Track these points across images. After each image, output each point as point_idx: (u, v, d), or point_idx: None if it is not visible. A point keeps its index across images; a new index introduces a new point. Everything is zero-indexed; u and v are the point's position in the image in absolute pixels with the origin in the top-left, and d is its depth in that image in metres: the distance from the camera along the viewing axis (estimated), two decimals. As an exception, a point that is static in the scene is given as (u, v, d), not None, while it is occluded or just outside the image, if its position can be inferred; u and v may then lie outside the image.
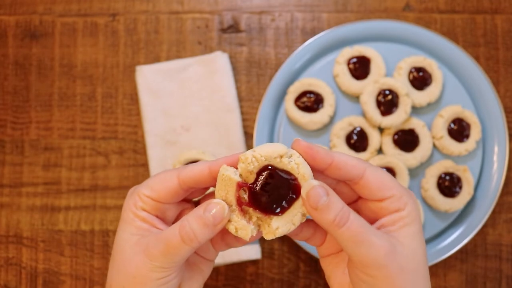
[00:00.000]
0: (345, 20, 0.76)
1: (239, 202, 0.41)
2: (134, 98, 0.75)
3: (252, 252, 0.70)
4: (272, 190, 0.40)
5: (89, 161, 0.74)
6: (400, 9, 0.76)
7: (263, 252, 0.72)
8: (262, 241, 0.72)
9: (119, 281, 0.43)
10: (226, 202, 0.41)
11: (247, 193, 0.41)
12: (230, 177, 0.40)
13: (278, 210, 0.41)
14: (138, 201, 0.43)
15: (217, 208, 0.40)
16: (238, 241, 0.46)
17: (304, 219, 0.41)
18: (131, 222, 0.43)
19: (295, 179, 0.40)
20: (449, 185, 0.69)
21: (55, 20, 0.77)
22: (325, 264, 0.47)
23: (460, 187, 0.70)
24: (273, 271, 0.72)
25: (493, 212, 0.72)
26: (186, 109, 0.74)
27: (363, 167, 0.41)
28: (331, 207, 0.38)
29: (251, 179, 0.41)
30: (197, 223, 0.40)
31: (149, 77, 0.74)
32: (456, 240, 0.69)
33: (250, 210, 0.41)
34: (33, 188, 0.74)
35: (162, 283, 0.42)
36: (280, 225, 0.41)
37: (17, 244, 0.73)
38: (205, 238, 0.40)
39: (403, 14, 0.76)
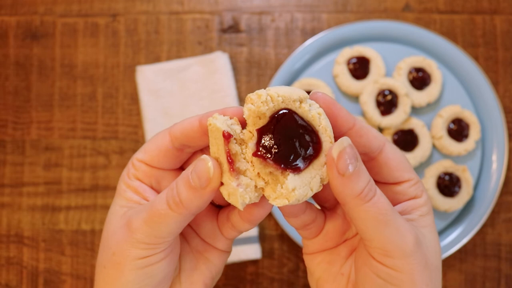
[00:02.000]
0: (345, 21, 0.76)
1: (229, 158, 0.33)
2: (134, 98, 0.76)
3: (252, 251, 0.70)
4: (288, 139, 0.32)
5: (89, 161, 0.75)
6: (400, 10, 0.76)
7: (263, 252, 0.72)
8: (262, 240, 0.72)
9: (101, 260, 0.37)
10: (219, 160, 0.33)
11: (256, 140, 0.33)
12: (216, 126, 0.33)
13: (296, 164, 0.32)
14: (131, 169, 0.38)
15: (201, 166, 0.33)
16: (244, 219, 0.37)
17: (321, 187, 0.34)
18: (122, 193, 0.38)
19: (316, 132, 0.33)
20: (448, 185, 0.70)
21: (56, 21, 0.77)
22: (314, 263, 0.39)
23: (459, 187, 0.70)
24: (273, 271, 0.72)
25: (492, 212, 0.72)
26: (186, 109, 0.74)
27: (383, 140, 0.36)
28: (360, 175, 0.32)
29: (260, 124, 0.33)
30: (183, 185, 0.33)
31: (150, 77, 0.74)
32: (456, 239, 0.70)
33: (257, 163, 0.33)
34: (34, 188, 0.74)
35: (143, 264, 0.35)
36: (297, 186, 0.32)
37: (18, 244, 0.74)
38: (193, 205, 0.33)
39: (402, 14, 0.76)
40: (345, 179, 0.32)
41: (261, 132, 0.33)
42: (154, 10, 0.77)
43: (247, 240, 0.70)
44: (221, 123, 0.33)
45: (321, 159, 0.33)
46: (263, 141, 0.33)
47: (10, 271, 0.73)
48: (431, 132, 0.72)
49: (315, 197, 0.38)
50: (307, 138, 0.33)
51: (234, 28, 0.77)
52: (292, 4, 0.77)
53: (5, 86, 0.77)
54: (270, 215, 0.72)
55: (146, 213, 0.34)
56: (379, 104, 0.71)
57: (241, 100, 0.75)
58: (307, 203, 0.37)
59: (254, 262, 0.72)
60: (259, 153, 0.33)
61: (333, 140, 0.34)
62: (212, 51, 0.76)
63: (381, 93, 0.71)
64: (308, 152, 0.33)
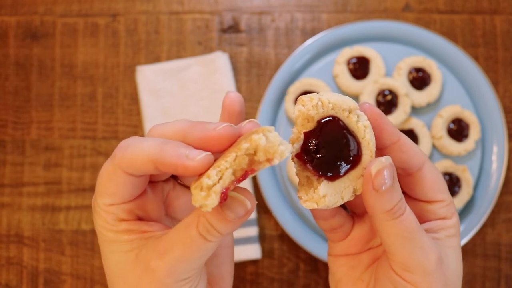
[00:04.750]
0: (345, 21, 0.76)
1: (242, 178, 0.31)
2: (134, 98, 0.76)
3: (252, 251, 0.70)
4: (332, 147, 0.34)
5: (89, 161, 0.75)
6: (400, 10, 0.76)
7: (263, 252, 0.72)
8: (262, 240, 0.72)
9: None
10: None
11: (301, 143, 0.34)
12: (214, 206, 0.29)
13: (333, 173, 0.34)
14: (107, 216, 0.34)
15: (236, 204, 0.31)
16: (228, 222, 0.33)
17: (353, 197, 0.35)
18: (116, 240, 0.34)
19: (358, 143, 0.34)
20: (448, 185, 0.70)
21: (56, 21, 0.77)
22: (336, 265, 0.40)
23: (459, 187, 0.70)
24: (273, 271, 0.72)
25: (492, 212, 0.72)
26: (186, 109, 0.74)
27: (423, 158, 0.37)
28: (393, 194, 0.33)
29: (308, 127, 0.34)
30: (218, 220, 0.31)
31: (150, 77, 0.74)
32: (455, 239, 0.70)
33: (297, 164, 0.34)
34: (34, 188, 0.74)
35: None
36: (328, 194, 0.33)
37: (18, 244, 0.74)
38: (233, 230, 0.32)
39: (402, 14, 0.76)
40: (378, 195, 0.33)
41: (308, 136, 0.34)
42: (154, 10, 0.77)
43: (247, 240, 0.71)
44: (211, 203, 0.29)
45: (358, 171, 0.34)
46: (307, 146, 0.34)
47: (10, 271, 0.73)
48: (431, 132, 0.72)
49: (347, 202, 0.39)
50: (349, 148, 0.34)
51: (234, 28, 0.77)
52: (292, 4, 0.77)
53: (5, 86, 0.77)
54: (270, 215, 0.72)
55: (179, 252, 0.32)
56: (379, 104, 0.71)
57: (241, 100, 0.75)
58: (338, 208, 0.38)
59: (254, 262, 0.72)
60: (302, 155, 0.34)
61: (373, 154, 0.34)
62: (212, 51, 0.76)
63: (381, 93, 0.71)
64: (347, 163, 0.34)
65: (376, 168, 0.33)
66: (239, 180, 0.30)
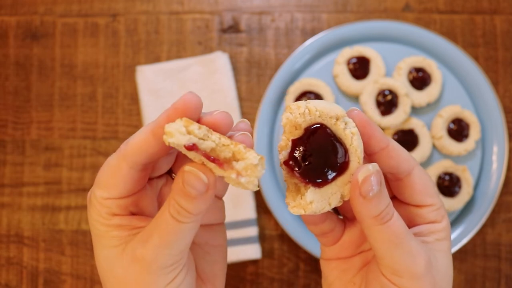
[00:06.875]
0: (345, 21, 0.76)
1: (212, 159, 0.32)
2: (134, 98, 0.76)
3: (252, 251, 0.70)
4: (319, 154, 0.34)
5: (89, 161, 0.75)
6: (400, 10, 0.76)
7: (263, 251, 0.72)
8: (262, 240, 0.72)
9: None
10: (204, 164, 0.32)
11: (290, 150, 0.35)
12: (175, 144, 0.30)
13: (319, 180, 0.34)
14: (101, 209, 0.35)
15: (192, 178, 0.31)
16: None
17: (341, 203, 0.35)
18: (105, 235, 0.35)
19: (346, 150, 0.34)
20: (448, 185, 0.70)
21: (56, 21, 0.77)
22: (328, 268, 0.41)
23: (460, 187, 0.70)
24: (273, 271, 0.72)
25: (492, 212, 0.72)
26: (187, 109, 0.74)
27: (413, 164, 0.37)
28: (381, 199, 0.33)
29: (296, 134, 0.35)
30: (184, 198, 0.32)
31: (150, 77, 0.74)
32: (456, 240, 0.70)
33: (286, 171, 0.35)
34: (34, 188, 0.74)
35: (175, 286, 0.34)
36: (315, 200, 0.34)
37: (18, 244, 0.74)
38: (202, 209, 0.32)
39: (402, 14, 0.76)
40: (365, 201, 0.33)
41: (295, 143, 0.34)
42: (154, 10, 0.77)
43: (247, 240, 0.71)
44: (178, 138, 0.30)
45: (345, 177, 0.34)
46: (295, 153, 0.34)
47: (10, 271, 0.73)
48: (431, 132, 0.72)
49: (339, 207, 0.39)
50: (336, 155, 0.34)
51: (234, 28, 0.77)
52: (292, 4, 0.77)
53: (5, 86, 0.77)
54: (270, 215, 0.72)
55: (157, 239, 0.32)
56: (379, 104, 0.71)
57: (241, 100, 0.75)
58: (328, 213, 0.38)
59: (254, 262, 0.72)
60: (290, 163, 0.34)
61: (361, 161, 0.35)
62: (212, 51, 0.76)
63: (381, 93, 0.71)
64: (334, 169, 0.34)
65: (363, 175, 0.33)
66: (206, 157, 0.31)
